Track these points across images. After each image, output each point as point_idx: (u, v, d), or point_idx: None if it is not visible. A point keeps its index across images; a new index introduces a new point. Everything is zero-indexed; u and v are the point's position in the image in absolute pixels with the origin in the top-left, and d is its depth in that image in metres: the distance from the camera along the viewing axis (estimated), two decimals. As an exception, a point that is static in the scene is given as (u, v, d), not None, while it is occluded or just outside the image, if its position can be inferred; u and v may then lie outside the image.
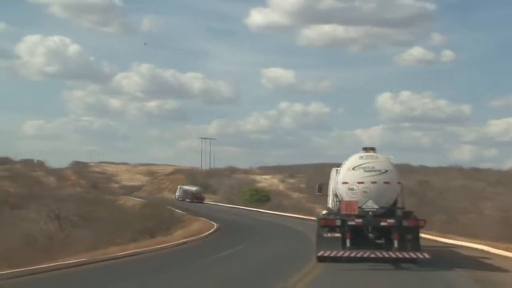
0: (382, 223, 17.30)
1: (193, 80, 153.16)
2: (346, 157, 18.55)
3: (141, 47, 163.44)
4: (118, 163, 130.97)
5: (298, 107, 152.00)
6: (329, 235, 17.34)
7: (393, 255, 17.01)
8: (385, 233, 17.47)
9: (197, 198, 79.70)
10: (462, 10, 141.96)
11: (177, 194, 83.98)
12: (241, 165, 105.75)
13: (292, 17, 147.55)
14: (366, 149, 18.26)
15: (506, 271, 17.35)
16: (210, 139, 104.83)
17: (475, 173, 78.14)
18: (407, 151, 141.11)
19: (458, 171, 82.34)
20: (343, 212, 17.40)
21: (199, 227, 32.26)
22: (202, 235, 28.58)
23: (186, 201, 75.99)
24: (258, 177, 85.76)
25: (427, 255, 17.16)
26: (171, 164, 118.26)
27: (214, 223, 35.19)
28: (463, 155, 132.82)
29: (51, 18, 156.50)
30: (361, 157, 17.93)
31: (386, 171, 17.74)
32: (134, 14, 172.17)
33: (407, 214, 17.94)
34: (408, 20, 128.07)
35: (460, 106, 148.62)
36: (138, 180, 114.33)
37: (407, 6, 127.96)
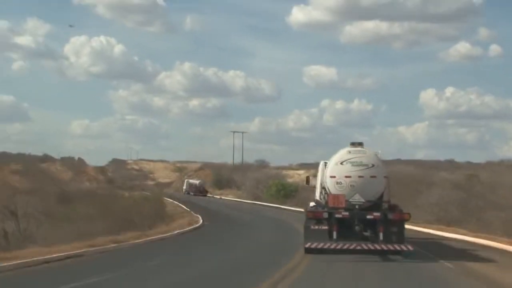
0: (368, 216, 18.48)
1: (235, 78, 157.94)
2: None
3: (184, 46, 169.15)
4: (156, 161, 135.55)
5: (340, 104, 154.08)
6: (316, 227, 18.70)
7: (379, 247, 18.15)
8: (371, 225, 18.57)
9: (200, 191, 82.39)
10: (511, 3, 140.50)
11: (184, 187, 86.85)
12: (281, 163, 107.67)
13: (334, 14, 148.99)
14: (354, 144, 19.42)
15: None
16: (242, 132, 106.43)
17: (528, 169, 77.36)
18: (452, 148, 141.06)
19: (509, 166, 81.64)
20: (331, 205, 18.60)
21: (178, 225, 30.62)
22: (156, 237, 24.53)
23: (190, 194, 78.51)
24: (290, 172, 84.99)
25: (410, 247, 18.32)
26: (212, 162, 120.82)
27: (201, 220, 34.10)
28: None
29: (97, 18, 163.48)
30: (349, 151, 19.12)
31: (373, 165, 18.92)
32: (176, 13, 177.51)
33: (392, 208, 19.20)
34: (454, 15, 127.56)
35: (508, 102, 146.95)
36: (173, 177, 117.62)
37: (453, 0, 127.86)
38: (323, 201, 20.41)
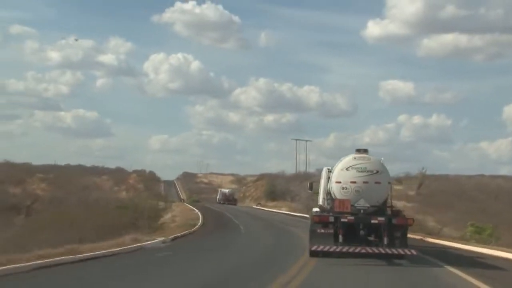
0: (373, 221, 19.65)
1: (310, 93, 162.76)
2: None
3: (259, 62, 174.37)
4: (226, 174, 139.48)
5: (417, 119, 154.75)
6: (322, 231, 20.23)
7: (383, 251, 19.26)
8: (376, 230, 19.83)
9: (229, 200, 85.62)
10: None
11: (217, 197, 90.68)
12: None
13: (411, 28, 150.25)
14: (359, 151, 20.65)
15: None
16: (306, 141, 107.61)
17: None
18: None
19: None
20: (336, 209, 19.81)
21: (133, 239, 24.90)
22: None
23: (221, 203, 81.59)
24: None
25: (414, 252, 19.51)
26: (271, 172, 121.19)
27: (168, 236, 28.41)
28: None
29: (174, 36, 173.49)
30: (354, 158, 20.37)
31: (378, 171, 20.15)
32: (251, 30, 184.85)
33: (396, 213, 20.61)
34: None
35: None
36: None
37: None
38: (326, 207, 22.00)
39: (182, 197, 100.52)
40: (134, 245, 23.48)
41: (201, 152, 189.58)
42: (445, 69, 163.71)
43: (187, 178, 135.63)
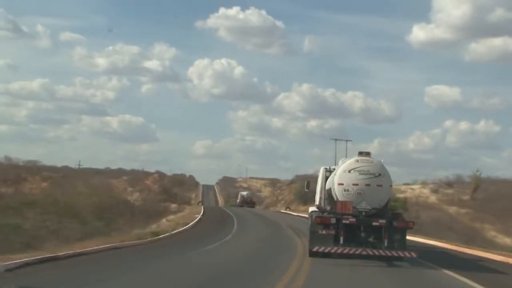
0: (374, 223, 20.17)
1: (354, 99, 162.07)
2: None
3: (302, 67, 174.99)
4: (266, 179, 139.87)
5: (464, 125, 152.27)
6: (324, 232, 20.71)
7: (383, 253, 19.75)
8: (376, 232, 20.27)
9: (247, 202, 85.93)
10: None
11: (238, 200, 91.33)
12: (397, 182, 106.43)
13: (457, 32, 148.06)
14: (361, 153, 21.22)
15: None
16: (346, 140, 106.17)
17: None
18: None
19: None
20: (338, 211, 20.37)
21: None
22: None
23: (239, 206, 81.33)
24: (402, 187, 76.55)
25: (414, 254, 19.97)
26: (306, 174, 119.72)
27: None
28: None
29: (218, 42, 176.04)
30: (357, 160, 20.84)
31: (380, 174, 20.60)
32: (295, 35, 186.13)
33: (396, 216, 21.10)
34: None
35: None
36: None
37: None
38: (325, 207, 22.62)
39: (200, 200, 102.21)
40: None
41: (244, 157, 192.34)
42: (493, 74, 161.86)
43: (227, 182, 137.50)
